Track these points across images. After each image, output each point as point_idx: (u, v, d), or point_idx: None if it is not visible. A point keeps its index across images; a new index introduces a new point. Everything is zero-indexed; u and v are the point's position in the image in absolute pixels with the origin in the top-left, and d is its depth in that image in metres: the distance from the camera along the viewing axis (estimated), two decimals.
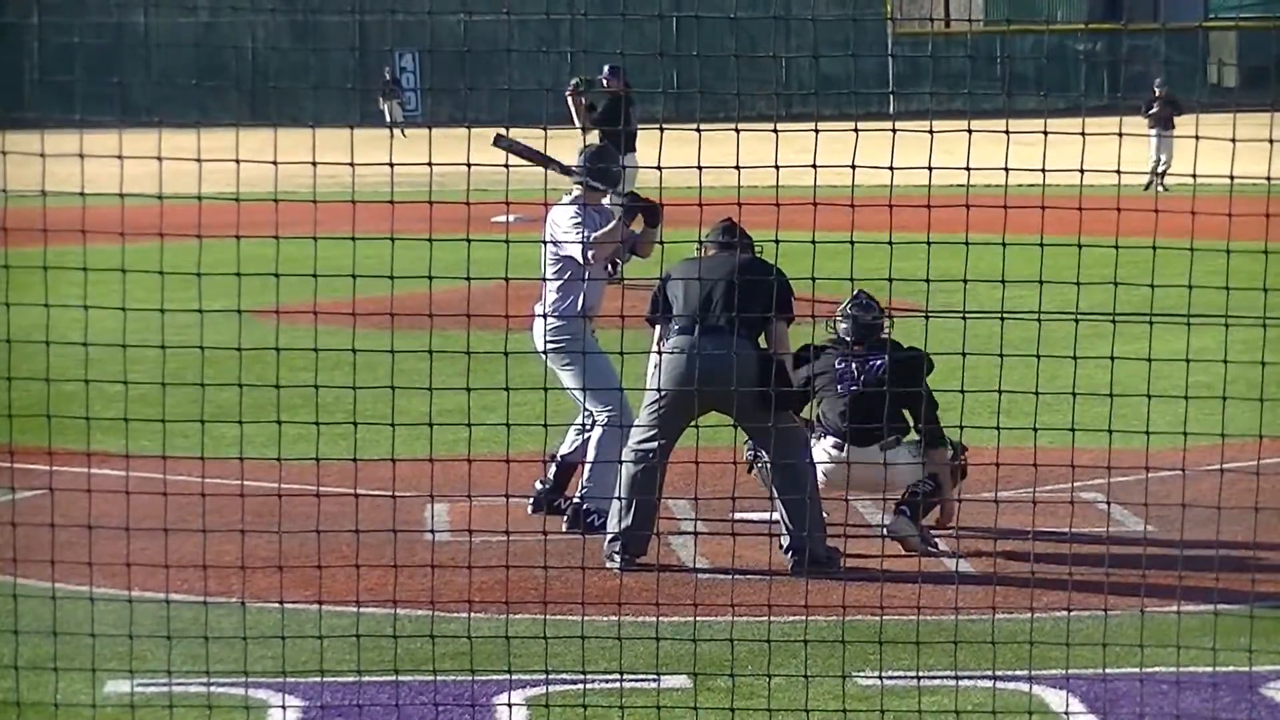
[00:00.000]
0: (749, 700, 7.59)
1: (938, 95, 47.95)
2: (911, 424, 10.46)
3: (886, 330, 10.77)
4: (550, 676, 7.69)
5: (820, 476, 10.24)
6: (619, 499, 9.98)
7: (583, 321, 10.73)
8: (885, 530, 10.29)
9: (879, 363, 10.53)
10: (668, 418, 9.98)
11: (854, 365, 10.59)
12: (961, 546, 10.25)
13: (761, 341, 10.12)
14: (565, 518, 10.79)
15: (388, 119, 59.36)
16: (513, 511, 10.32)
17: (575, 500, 10.87)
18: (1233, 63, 68.71)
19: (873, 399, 10.28)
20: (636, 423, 10.18)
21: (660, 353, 10.07)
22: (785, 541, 9.89)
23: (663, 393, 9.93)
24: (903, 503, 10.36)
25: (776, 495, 10.00)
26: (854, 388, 10.51)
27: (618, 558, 9.94)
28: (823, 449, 10.45)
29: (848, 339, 10.66)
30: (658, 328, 10.25)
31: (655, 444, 10.01)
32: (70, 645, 7.68)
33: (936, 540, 10.39)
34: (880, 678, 7.79)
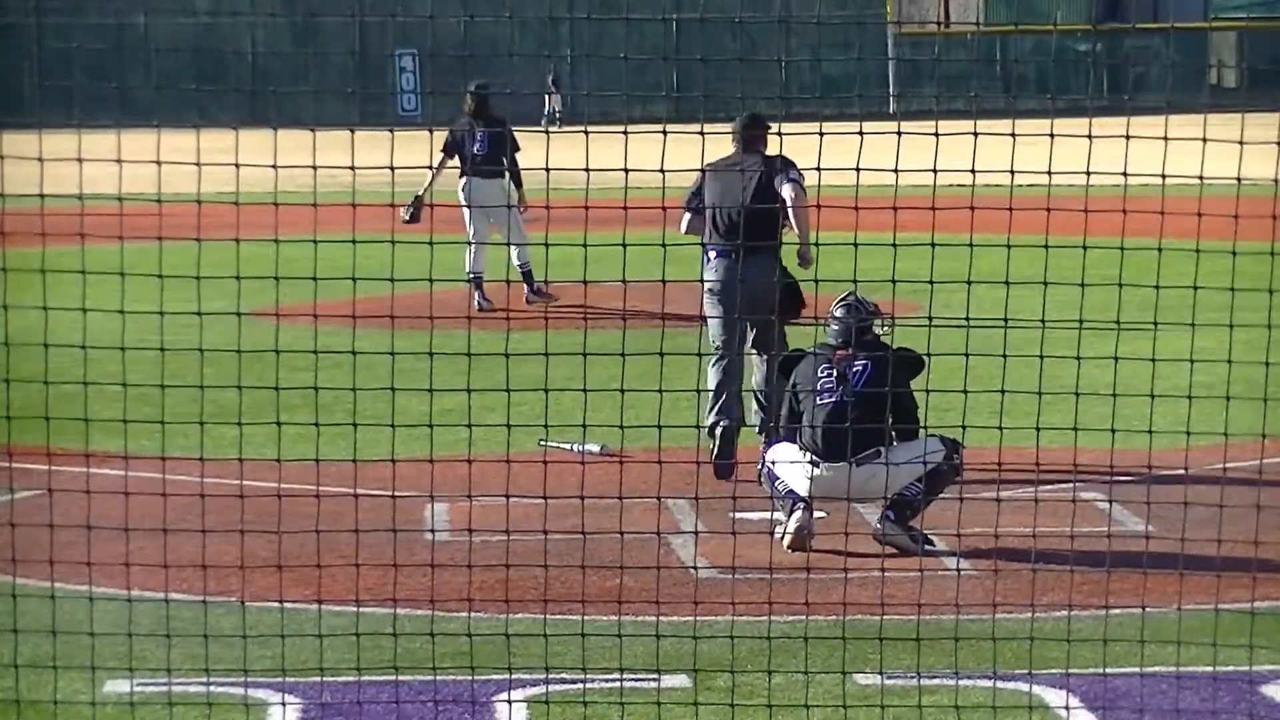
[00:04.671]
0: (749, 699, 7.58)
1: (937, 95, 47.98)
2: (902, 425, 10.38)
3: (881, 329, 10.64)
4: (550, 676, 7.68)
5: (808, 485, 10.20)
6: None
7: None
8: (874, 536, 10.27)
9: (859, 370, 10.41)
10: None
11: (834, 374, 10.46)
12: (961, 546, 10.24)
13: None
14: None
15: (555, 114, 59.23)
16: (514, 510, 10.31)
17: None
18: (1233, 64, 68.71)
19: (854, 409, 10.21)
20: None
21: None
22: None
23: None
24: (889, 506, 10.32)
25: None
26: (832, 399, 10.41)
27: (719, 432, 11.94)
28: (806, 461, 10.32)
29: (833, 343, 10.55)
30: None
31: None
32: (70, 644, 7.67)
33: (931, 539, 10.35)
34: (881, 676, 7.78)
